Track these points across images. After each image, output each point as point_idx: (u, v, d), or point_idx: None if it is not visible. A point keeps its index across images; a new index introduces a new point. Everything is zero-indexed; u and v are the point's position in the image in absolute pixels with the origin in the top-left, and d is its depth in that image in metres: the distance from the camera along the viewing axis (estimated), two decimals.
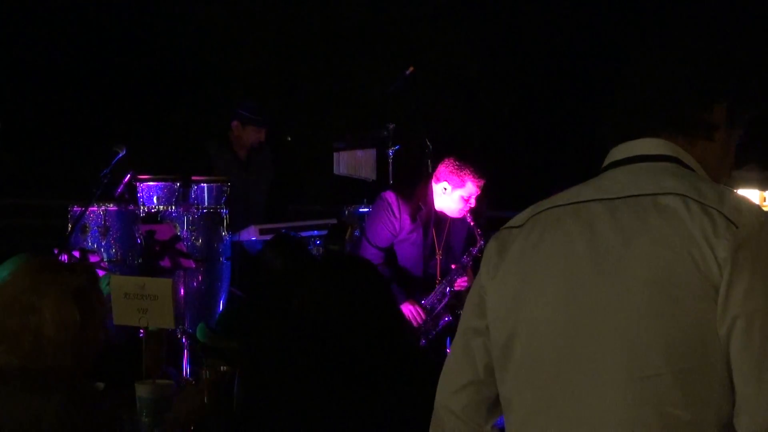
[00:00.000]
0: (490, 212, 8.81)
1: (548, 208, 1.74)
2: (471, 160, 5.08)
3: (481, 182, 5.06)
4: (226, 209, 5.90)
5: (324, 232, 6.12)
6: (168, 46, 11.53)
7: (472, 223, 5.08)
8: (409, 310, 5.13)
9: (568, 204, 1.72)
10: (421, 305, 5.17)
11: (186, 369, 3.83)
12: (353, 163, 6.72)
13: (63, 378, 2.37)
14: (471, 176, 5.03)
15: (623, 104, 1.79)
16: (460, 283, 5.17)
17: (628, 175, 1.72)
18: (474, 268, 5.07)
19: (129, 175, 5.67)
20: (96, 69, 11.43)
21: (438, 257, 5.23)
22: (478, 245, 5.09)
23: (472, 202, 5.08)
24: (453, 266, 5.21)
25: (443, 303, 5.19)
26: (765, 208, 7.59)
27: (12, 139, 11.07)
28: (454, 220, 5.21)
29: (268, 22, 11.61)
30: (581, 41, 11.04)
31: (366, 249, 5.22)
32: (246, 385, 3.13)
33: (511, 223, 1.80)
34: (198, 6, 11.56)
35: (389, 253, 5.25)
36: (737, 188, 6.62)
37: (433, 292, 5.19)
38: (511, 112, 11.30)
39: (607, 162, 1.79)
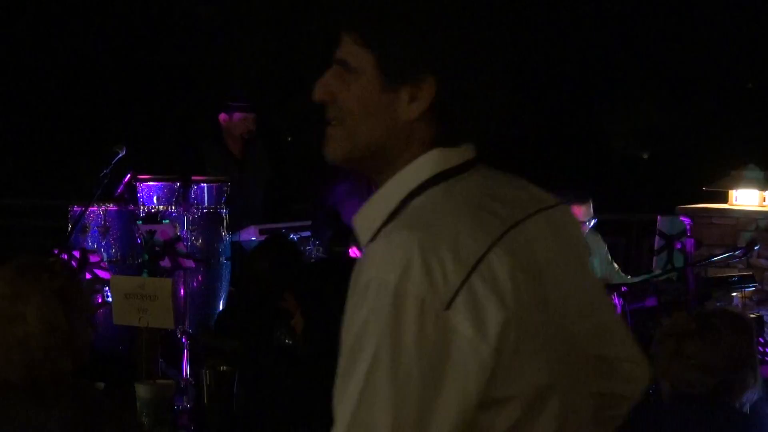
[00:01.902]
0: None
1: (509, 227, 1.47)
2: None
3: None
4: (226, 209, 5.89)
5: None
6: (168, 46, 11.53)
7: None
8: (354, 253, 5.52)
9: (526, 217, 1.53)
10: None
11: (186, 369, 3.82)
12: None
13: (63, 386, 2.29)
14: None
15: None
16: None
17: (509, 185, 1.60)
18: None
19: (129, 175, 5.66)
20: (96, 69, 11.44)
21: None
22: None
23: None
24: None
25: None
26: (765, 208, 7.48)
27: (12, 139, 11.08)
28: None
29: (267, 22, 11.60)
30: (581, 41, 11.04)
31: None
32: (246, 385, 3.13)
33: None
34: (198, 6, 11.56)
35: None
36: (738, 188, 6.56)
37: None
38: (512, 110, 11.29)
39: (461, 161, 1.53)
